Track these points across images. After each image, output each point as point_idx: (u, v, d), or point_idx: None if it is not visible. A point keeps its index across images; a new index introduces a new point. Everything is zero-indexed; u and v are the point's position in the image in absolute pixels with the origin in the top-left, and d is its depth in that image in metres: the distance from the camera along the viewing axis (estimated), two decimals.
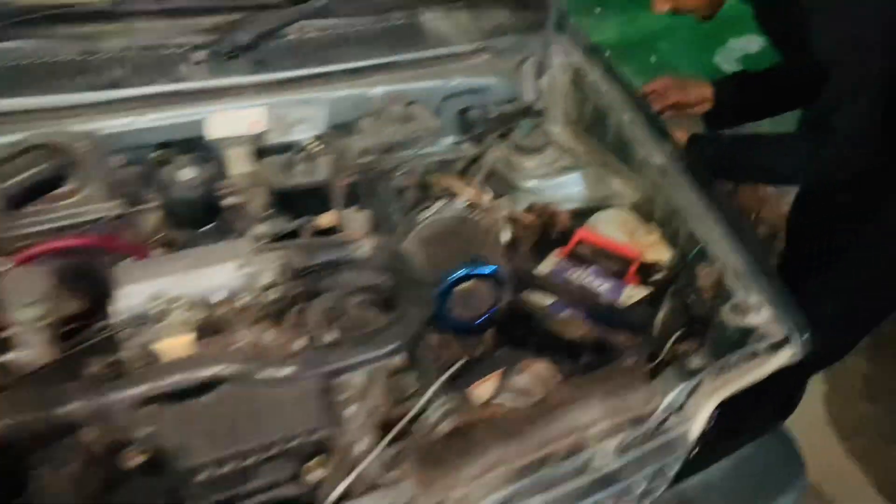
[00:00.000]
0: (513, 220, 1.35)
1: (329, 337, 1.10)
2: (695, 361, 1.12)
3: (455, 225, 1.28)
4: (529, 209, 1.39)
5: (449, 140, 1.54)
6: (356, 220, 1.19)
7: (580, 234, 1.33)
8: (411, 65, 1.42)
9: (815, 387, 2.41)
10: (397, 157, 1.42)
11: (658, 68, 3.42)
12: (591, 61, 1.58)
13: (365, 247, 1.16)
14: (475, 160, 1.50)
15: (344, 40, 1.42)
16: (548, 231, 1.35)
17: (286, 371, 1.00)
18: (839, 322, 1.77)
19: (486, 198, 1.38)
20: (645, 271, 1.30)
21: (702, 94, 1.77)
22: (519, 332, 1.24)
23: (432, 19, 1.53)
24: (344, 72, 1.36)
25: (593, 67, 1.56)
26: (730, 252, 1.25)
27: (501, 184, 1.46)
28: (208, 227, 1.31)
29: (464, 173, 1.51)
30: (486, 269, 1.17)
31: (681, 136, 1.61)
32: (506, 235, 1.31)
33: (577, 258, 1.30)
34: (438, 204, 1.36)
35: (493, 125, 1.51)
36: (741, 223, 1.29)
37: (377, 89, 1.38)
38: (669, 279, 1.26)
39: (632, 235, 1.36)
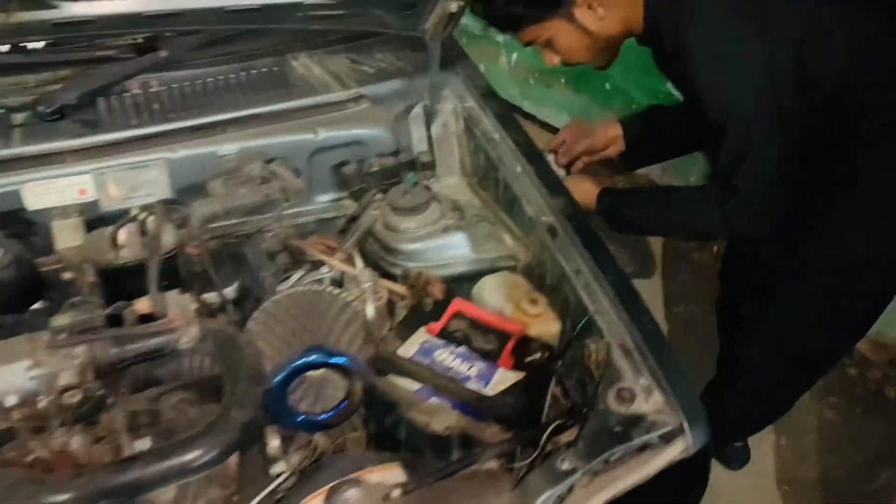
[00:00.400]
0: (381, 292, 1.21)
1: (139, 445, 0.97)
2: (567, 461, 0.98)
3: (308, 301, 1.14)
4: (404, 278, 1.26)
5: (327, 197, 1.41)
6: (179, 303, 1.05)
7: (456, 305, 1.19)
8: (272, 118, 1.30)
9: (768, 438, 2.27)
10: (261, 220, 1.30)
11: (613, 94, 3.34)
12: (484, 106, 1.45)
13: (190, 334, 1.02)
14: (353, 220, 1.37)
15: (196, 93, 1.29)
16: (422, 302, 1.21)
17: (63, 497, 0.85)
18: (773, 372, 1.66)
19: (357, 266, 1.25)
20: (527, 347, 1.15)
21: (609, 136, 1.66)
22: (380, 425, 1.11)
23: (305, 66, 1.41)
24: (189, 129, 1.23)
25: (486, 113, 1.44)
26: (618, 325, 1.11)
27: (378, 247, 1.32)
28: (36, 306, 1.18)
29: (344, 233, 1.38)
30: (334, 359, 1.04)
31: (591, 188, 1.49)
32: (370, 310, 1.17)
33: (448, 335, 1.16)
34: (297, 275, 1.23)
35: (372, 181, 1.38)
36: (633, 292, 1.16)
37: (230, 147, 1.25)
38: (549, 358, 1.12)
39: (517, 305, 1.23)
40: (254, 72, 1.35)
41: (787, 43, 1.23)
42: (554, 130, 3.71)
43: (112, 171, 1.17)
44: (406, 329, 1.17)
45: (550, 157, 1.62)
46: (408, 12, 1.30)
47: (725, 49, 1.24)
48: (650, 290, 2.83)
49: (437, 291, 1.20)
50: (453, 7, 1.28)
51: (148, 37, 1.24)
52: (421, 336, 1.14)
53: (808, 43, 1.23)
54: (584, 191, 1.50)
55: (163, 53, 1.24)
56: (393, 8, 1.27)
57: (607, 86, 3.35)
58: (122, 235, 1.14)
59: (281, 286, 1.22)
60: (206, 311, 1.26)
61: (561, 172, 1.63)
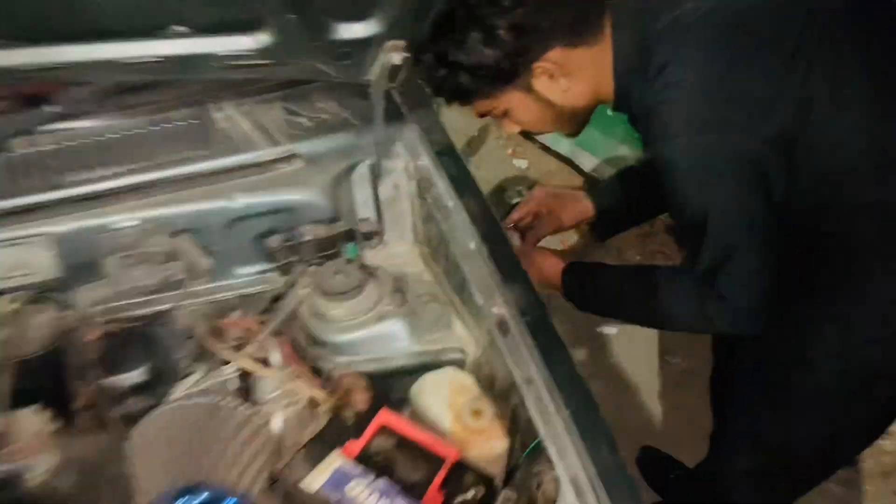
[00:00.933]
0: (300, 394, 1.04)
1: None
2: None
3: (199, 415, 0.97)
4: (327, 379, 1.08)
5: (251, 269, 1.24)
6: (31, 426, 0.88)
7: (382, 418, 1.02)
8: (182, 182, 1.12)
9: None
10: (171, 297, 1.13)
11: (615, 120, 3.16)
12: (440, 165, 1.27)
13: (42, 464, 0.86)
14: (279, 299, 1.20)
15: (93, 153, 1.13)
16: (343, 413, 1.04)
17: None
18: (758, 471, 1.46)
19: (272, 360, 1.08)
20: (460, 480, 0.97)
21: (579, 213, 1.49)
22: None
23: (229, 118, 1.24)
24: (80, 198, 1.06)
25: (441, 174, 1.26)
26: (572, 454, 0.93)
27: (304, 336, 1.15)
28: None
29: (269, 313, 1.21)
30: (221, 501, 0.87)
31: (554, 262, 1.32)
32: (277, 424, 1.00)
33: (369, 458, 0.98)
34: (197, 374, 1.06)
35: (305, 253, 1.21)
36: (594, 412, 0.98)
37: (128, 218, 1.08)
38: (484, 497, 0.94)
39: (458, 415, 1.05)
40: (167, 126, 1.18)
41: (774, 133, 1.06)
42: (555, 154, 3.54)
43: None
44: (320, 448, 1.00)
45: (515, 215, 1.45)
46: (345, 62, 1.12)
47: (703, 141, 1.07)
48: (646, 339, 2.65)
49: (360, 401, 1.03)
50: (397, 59, 1.10)
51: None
52: (335, 460, 0.97)
53: (801, 130, 1.06)
54: (546, 266, 1.34)
55: (55, 107, 1.07)
56: (327, 58, 1.10)
57: (609, 111, 3.17)
58: None
59: (180, 385, 1.05)
60: (108, 400, 1.12)
61: (515, 239, 1.44)
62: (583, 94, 1.19)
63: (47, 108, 1.08)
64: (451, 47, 1.15)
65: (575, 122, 1.27)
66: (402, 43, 1.10)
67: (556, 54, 1.15)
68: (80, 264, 1.08)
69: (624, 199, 1.48)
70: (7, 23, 0.90)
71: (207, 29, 0.99)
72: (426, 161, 1.30)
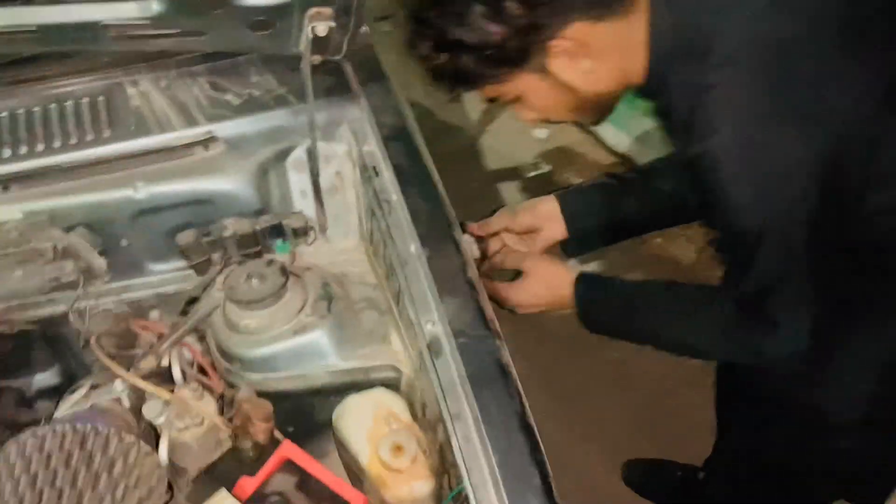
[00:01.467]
0: (195, 421, 0.92)
1: None
2: None
3: (68, 444, 0.86)
4: (230, 403, 0.96)
5: (167, 266, 1.12)
6: None
7: (284, 452, 0.89)
8: (79, 170, 1.00)
9: None
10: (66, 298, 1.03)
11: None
12: (388, 151, 1.13)
13: None
14: (194, 301, 1.08)
15: None
16: (241, 445, 0.92)
17: None
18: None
19: (175, 376, 0.96)
20: None
21: (539, 214, 1.30)
22: None
23: (144, 95, 1.11)
24: None
25: (388, 163, 1.11)
26: None
27: (215, 348, 1.03)
28: None
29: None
30: None
31: (560, 271, 1.18)
32: (163, 455, 0.89)
33: (264, 499, 0.86)
34: (80, 392, 0.95)
35: (223, 250, 1.08)
36: (533, 456, 0.84)
37: (12, 209, 0.97)
38: None
39: (376, 451, 0.92)
40: (68, 103, 1.05)
41: (855, 130, 0.90)
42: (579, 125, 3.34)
43: None
44: (210, 484, 0.88)
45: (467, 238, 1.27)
46: (265, 32, 0.98)
47: (765, 136, 0.90)
48: None
49: (259, 432, 0.90)
50: (321, 30, 0.96)
51: None
52: (222, 501, 0.85)
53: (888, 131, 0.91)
54: (551, 276, 1.17)
55: None
56: (240, 28, 0.96)
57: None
58: None
59: (64, 401, 0.95)
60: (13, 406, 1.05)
61: (473, 248, 1.27)
62: (608, 77, 1.01)
63: None
64: (449, 23, 0.96)
65: (598, 109, 1.09)
66: (327, 11, 0.96)
67: (576, 30, 0.96)
68: None
69: (600, 208, 1.29)
70: None
71: None
72: (374, 146, 1.16)
